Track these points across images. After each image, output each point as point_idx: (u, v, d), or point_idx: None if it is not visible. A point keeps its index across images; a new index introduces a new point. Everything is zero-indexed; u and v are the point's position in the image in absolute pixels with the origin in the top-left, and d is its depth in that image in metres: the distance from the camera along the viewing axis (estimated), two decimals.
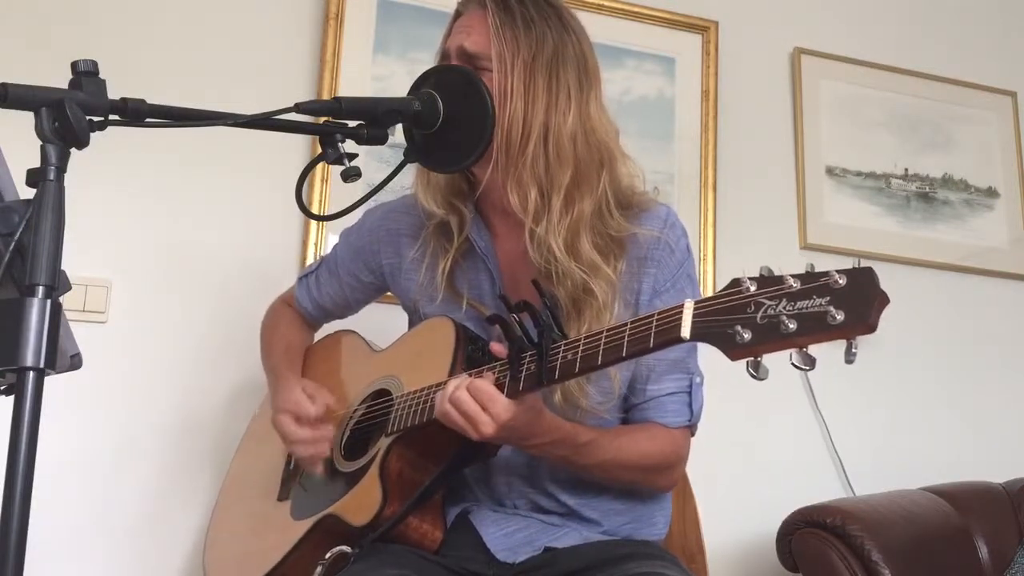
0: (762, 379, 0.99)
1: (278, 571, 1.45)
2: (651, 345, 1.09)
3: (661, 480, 1.47)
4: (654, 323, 1.10)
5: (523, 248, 1.40)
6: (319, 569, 1.33)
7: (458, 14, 1.45)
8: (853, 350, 0.94)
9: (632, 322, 1.13)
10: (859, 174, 2.67)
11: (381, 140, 1.25)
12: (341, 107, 1.21)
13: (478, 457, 1.38)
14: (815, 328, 0.94)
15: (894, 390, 2.57)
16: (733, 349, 0.99)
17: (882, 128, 2.73)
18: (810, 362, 0.97)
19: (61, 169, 0.93)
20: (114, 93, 1.00)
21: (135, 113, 1.02)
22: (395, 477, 1.36)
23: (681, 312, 1.06)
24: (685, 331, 1.05)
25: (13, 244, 0.91)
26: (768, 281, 0.99)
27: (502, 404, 1.22)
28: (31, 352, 0.88)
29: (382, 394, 1.49)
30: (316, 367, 1.70)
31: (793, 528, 2.10)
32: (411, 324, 1.60)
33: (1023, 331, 2.73)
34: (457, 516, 1.43)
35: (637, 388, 1.44)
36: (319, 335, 1.78)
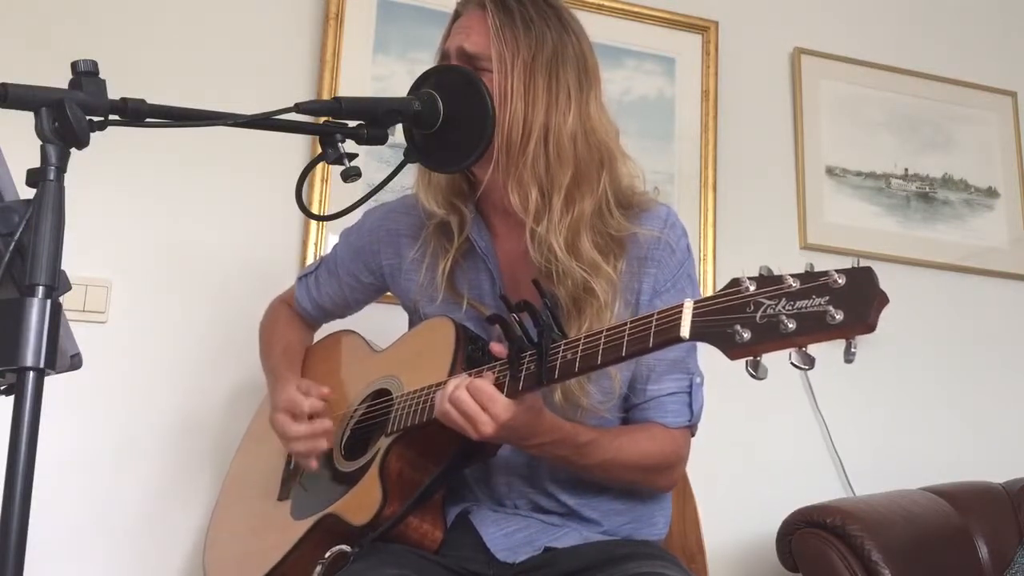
0: (761, 379, 0.99)
1: (278, 571, 1.45)
2: (650, 344, 1.09)
3: (661, 480, 1.47)
4: (653, 323, 1.10)
5: (523, 248, 1.40)
6: (319, 568, 1.33)
7: (457, 15, 1.45)
8: (852, 350, 0.94)
9: (632, 322, 1.13)
10: (859, 174, 2.67)
11: (381, 140, 1.25)
12: (341, 107, 1.22)
13: (478, 457, 1.38)
14: (814, 328, 0.94)
15: (894, 390, 2.57)
16: (732, 349, 0.99)
17: (882, 128, 2.73)
18: (809, 362, 0.97)
19: (61, 169, 0.94)
20: (114, 93, 1.00)
21: (135, 113, 1.02)
22: (395, 477, 1.36)
23: (681, 312, 1.06)
24: (684, 331, 1.05)
25: (13, 244, 0.91)
26: (767, 281, 0.99)
27: (502, 404, 1.22)
28: (31, 352, 0.88)
29: (382, 394, 1.49)
30: (316, 367, 1.70)
31: (793, 528, 2.10)
32: (411, 324, 1.60)
33: (1023, 331, 2.73)
34: (457, 516, 1.43)
35: (637, 388, 1.44)
36: (319, 335, 1.79)
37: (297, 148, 2.18)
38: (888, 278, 0.96)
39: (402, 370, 1.47)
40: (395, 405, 1.42)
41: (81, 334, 1.09)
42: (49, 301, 0.89)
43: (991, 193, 2.79)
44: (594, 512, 1.44)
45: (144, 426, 2.06)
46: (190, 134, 1.96)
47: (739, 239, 2.50)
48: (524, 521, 1.42)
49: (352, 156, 1.20)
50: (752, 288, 0.99)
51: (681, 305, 1.06)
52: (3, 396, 0.98)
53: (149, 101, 1.04)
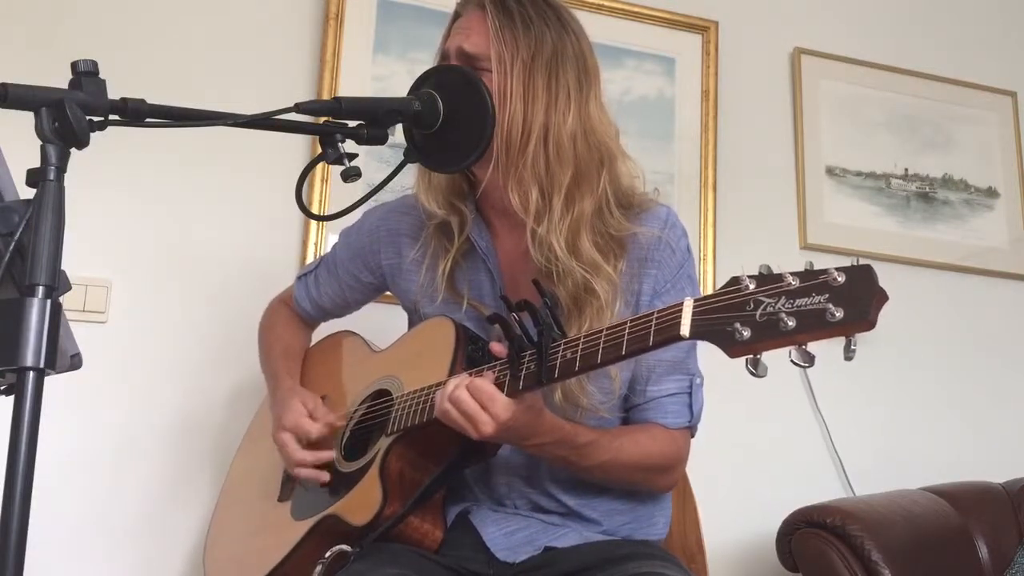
0: (761, 376, 0.99)
1: (279, 571, 1.45)
2: (651, 343, 1.09)
3: (661, 481, 1.47)
4: (653, 321, 1.10)
5: (523, 248, 1.40)
6: (319, 568, 1.33)
7: (457, 15, 1.45)
8: (852, 347, 0.94)
9: (631, 320, 1.14)
10: (859, 174, 2.67)
11: (381, 140, 1.25)
12: (341, 107, 1.22)
13: (478, 457, 1.38)
14: (814, 325, 0.94)
15: (894, 390, 2.57)
16: (732, 347, 0.99)
17: (882, 128, 2.73)
18: (809, 359, 0.97)
19: (61, 169, 0.94)
20: (114, 93, 1.01)
21: (135, 113, 1.02)
22: (395, 477, 1.36)
23: (680, 310, 1.06)
24: (684, 329, 1.05)
25: (13, 244, 0.91)
26: (767, 279, 0.99)
27: (502, 403, 1.22)
28: (31, 352, 0.88)
29: (382, 394, 1.49)
30: (316, 368, 1.70)
31: (793, 528, 2.10)
32: (411, 324, 1.60)
33: (1023, 331, 2.73)
34: (457, 516, 1.43)
35: (637, 389, 1.44)
36: (318, 334, 1.78)
37: (297, 148, 2.18)
38: (888, 278, 0.96)
39: (402, 370, 1.47)
40: (395, 405, 1.42)
41: (81, 334, 1.09)
42: (49, 301, 0.89)
43: (991, 193, 2.79)
44: (594, 512, 1.44)
45: (144, 426, 2.06)
46: (190, 134, 1.97)
47: (739, 239, 2.50)
48: (524, 521, 1.42)
49: (352, 156, 1.20)
50: (752, 286, 1.00)
51: (681, 304, 1.06)
52: (3, 396, 0.98)
53: (149, 101, 1.04)
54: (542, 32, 1.38)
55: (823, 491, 2.33)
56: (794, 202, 2.60)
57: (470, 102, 1.32)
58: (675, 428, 1.43)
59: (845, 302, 0.93)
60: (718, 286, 1.04)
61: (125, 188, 2.11)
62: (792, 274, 0.98)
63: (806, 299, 0.95)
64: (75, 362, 1.04)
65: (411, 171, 1.47)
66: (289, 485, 1.58)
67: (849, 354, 0.94)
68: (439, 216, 1.47)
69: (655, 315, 1.10)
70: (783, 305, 0.96)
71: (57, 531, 1.95)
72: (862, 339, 0.94)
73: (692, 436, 1.48)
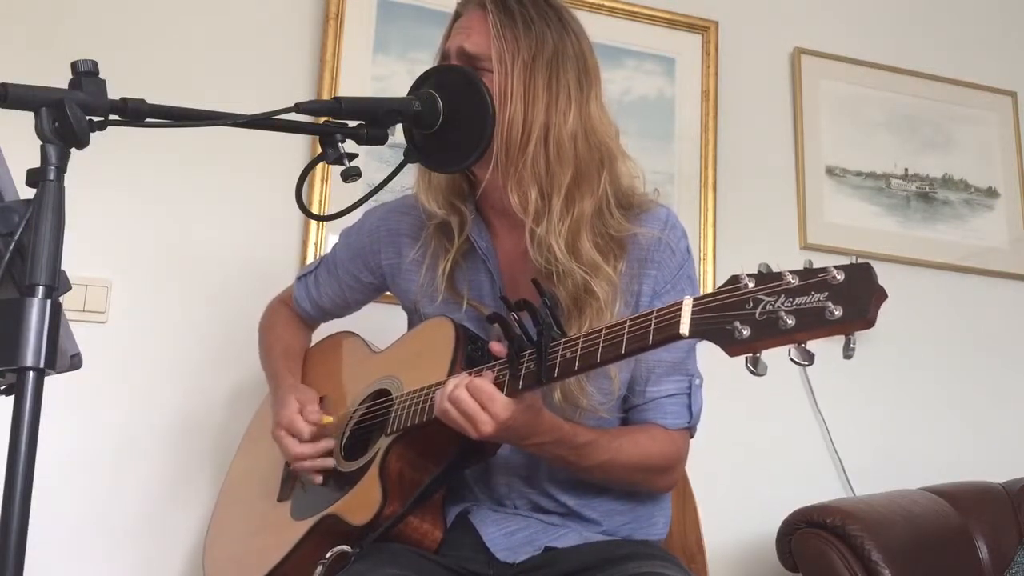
0: (761, 375, 0.99)
1: (278, 571, 1.45)
2: (650, 342, 1.09)
3: (660, 481, 1.47)
4: (653, 320, 1.10)
5: (523, 248, 1.40)
6: (320, 568, 1.33)
7: (457, 15, 1.45)
8: (852, 346, 0.94)
9: (631, 319, 1.13)
10: (859, 174, 2.67)
11: (381, 140, 1.25)
12: (341, 107, 1.22)
13: (478, 457, 1.38)
14: (813, 323, 0.94)
15: (894, 390, 2.57)
16: (732, 345, 0.99)
17: (882, 128, 2.73)
18: (809, 358, 0.97)
19: (61, 169, 0.94)
20: (114, 93, 1.01)
21: (135, 113, 1.02)
22: (395, 477, 1.36)
23: (680, 309, 1.06)
24: (684, 328, 1.05)
25: (13, 244, 0.91)
26: (766, 277, 0.99)
27: (501, 403, 1.22)
28: (31, 352, 0.88)
29: (382, 394, 1.49)
30: (316, 368, 1.70)
31: (793, 528, 2.10)
32: (411, 324, 1.60)
33: (1023, 331, 2.73)
34: (457, 516, 1.43)
35: (637, 389, 1.44)
36: (318, 334, 1.78)
37: (297, 148, 2.18)
38: (888, 278, 0.96)
39: (402, 370, 1.47)
40: (395, 405, 1.42)
41: (81, 334, 1.09)
42: (49, 301, 0.89)
43: (991, 193, 2.79)
44: (594, 512, 1.44)
45: (144, 426, 2.06)
46: (190, 134, 1.97)
47: (739, 239, 2.50)
48: (524, 521, 1.43)
49: (352, 156, 1.20)
50: (751, 285, 1.00)
51: (680, 302, 1.06)
52: (3, 396, 0.98)
53: (149, 101, 1.04)
54: (543, 32, 1.38)
55: (823, 491, 2.33)
56: (794, 202, 2.60)
57: (470, 102, 1.32)
58: (674, 429, 1.43)
59: (844, 300, 0.93)
60: (718, 286, 1.04)
61: (125, 188, 2.11)
62: (791, 272, 0.98)
63: (805, 297, 0.95)
64: (75, 362, 1.04)
65: (411, 171, 1.47)
66: (289, 485, 1.58)
67: (848, 352, 0.94)
68: (439, 216, 1.47)
69: (654, 314, 1.10)
70: (782, 303, 0.96)
71: (57, 531, 1.95)
72: (862, 339, 0.94)
73: (691, 437, 1.48)
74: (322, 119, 1.22)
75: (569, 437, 1.33)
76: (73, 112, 0.94)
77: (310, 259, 2.15)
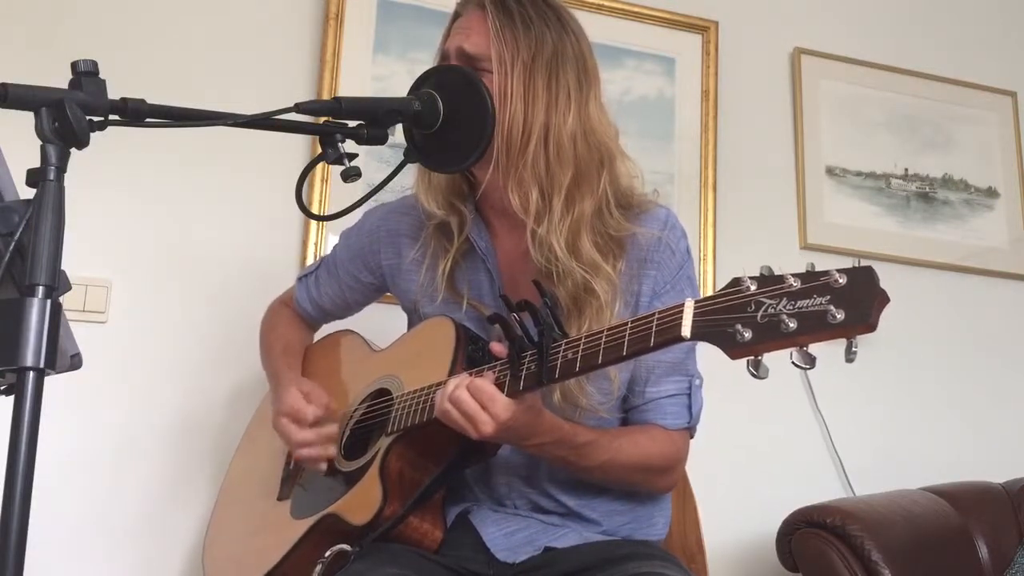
0: (762, 378, 0.99)
1: (278, 571, 1.45)
2: (651, 344, 1.09)
3: (660, 482, 1.47)
4: (654, 322, 1.10)
5: (523, 248, 1.40)
6: (319, 568, 1.33)
7: (457, 15, 1.45)
8: (853, 349, 0.94)
9: (632, 321, 1.14)
10: (859, 174, 2.67)
11: (381, 140, 1.25)
12: (341, 107, 1.22)
13: (478, 457, 1.38)
14: (815, 327, 0.94)
15: (894, 390, 2.57)
16: (733, 348, 0.99)
17: (882, 128, 2.73)
18: (810, 361, 0.97)
19: (61, 169, 0.94)
20: (114, 93, 1.00)
21: (135, 113, 1.02)
22: (395, 477, 1.36)
23: (681, 311, 1.06)
24: (686, 330, 1.05)
25: (13, 244, 0.91)
26: (768, 280, 0.99)
27: (502, 403, 1.22)
28: (31, 352, 0.88)
29: (382, 394, 1.49)
30: (316, 367, 1.70)
31: (793, 528, 2.10)
32: (410, 325, 1.60)
33: (1023, 331, 2.73)
34: (457, 516, 1.43)
35: (636, 390, 1.44)
36: (318, 335, 1.78)
37: (297, 148, 2.18)
38: (888, 278, 0.96)
39: (402, 370, 1.47)
40: (395, 405, 1.42)
41: (81, 334, 1.09)
42: (49, 301, 0.89)
43: (991, 193, 2.79)
44: (594, 512, 1.44)
45: (144, 426, 2.06)
46: (190, 134, 1.96)
47: (739, 239, 2.50)
48: (524, 521, 1.43)
49: (352, 156, 1.20)
50: (753, 288, 1.00)
51: (682, 305, 1.06)
52: (3, 396, 0.98)
53: (149, 101, 1.04)
54: (542, 32, 1.38)
55: (823, 491, 2.33)
56: (794, 202, 2.60)
57: (470, 102, 1.32)
58: (674, 429, 1.43)
59: (846, 304, 0.93)
60: (718, 286, 1.04)
61: (125, 188, 2.11)
62: (793, 275, 0.98)
63: (807, 301, 0.95)
64: (75, 362, 1.04)
65: (411, 171, 1.47)
66: (288, 484, 1.58)
67: (850, 356, 0.94)
68: (439, 216, 1.47)
69: (656, 316, 1.10)
70: (784, 306, 0.96)
71: (57, 531, 1.95)
72: (862, 340, 0.94)
73: (691, 437, 1.48)
74: (322, 119, 1.22)
75: (569, 437, 1.33)
76: (73, 112, 0.94)
77: (310, 259, 2.15)
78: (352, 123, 1.23)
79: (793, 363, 0.97)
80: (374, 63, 2.31)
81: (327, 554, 1.34)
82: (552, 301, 1.24)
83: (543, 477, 1.43)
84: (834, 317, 0.93)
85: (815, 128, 2.66)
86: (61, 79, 1.00)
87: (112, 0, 2.18)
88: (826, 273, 0.95)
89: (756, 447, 2.42)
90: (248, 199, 2.18)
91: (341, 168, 1.19)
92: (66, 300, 0.95)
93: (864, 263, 0.95)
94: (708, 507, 1.67)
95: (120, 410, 2.05)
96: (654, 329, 1.09)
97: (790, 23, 2.72)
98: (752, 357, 0.99)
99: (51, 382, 0.90)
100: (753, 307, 0.99)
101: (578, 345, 1.18)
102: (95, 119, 0.97)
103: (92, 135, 0.96)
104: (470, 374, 1.27)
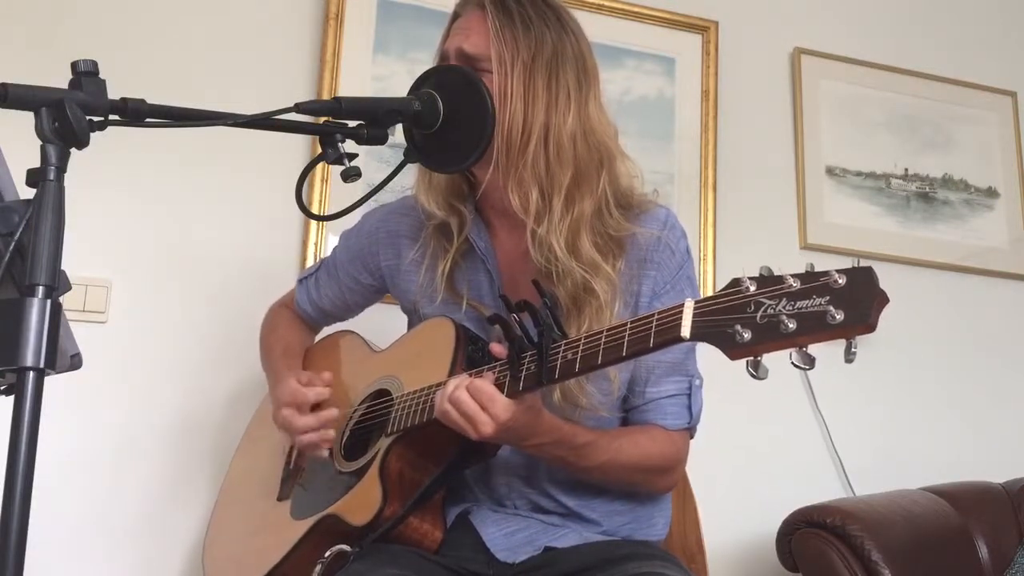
0: (762, 379, 0.99)
1: (278, 571, 1.45)
2: (651, 345, 1.09)
3: (660, 482, 1.47)
4: (654, 323, 1.10)
5: (522, 248, 1.40)
6: (318, 568, 1.33)
7: (456, 15, 1.45)
8: (853, 349, 0.94)
9: (632, 322, 1.14)
10: (859, 174, 2.67)
11: (381, 140, 1.25)
12: (341, 107, 1.22)
13: (478, 457, 1.38)
14: (815, 327, 0.94)
15: (894, 390, 2.57)
16: (733, 349, 0.99)
17: (882, 128, 2.73)
18: (810, 361, 0.97)
19: (61, 169, 0.93)
20: (114, 93, 1.00)
21: (135, 113, 1.02)
22: (395, 477, 1.36)
23: (681, 312, 1.06)
24: (685, 331, 1.05)
25: (13, 244, 0.91)
26: (768, 281, 0.99)
27: (501, 404, 1.22)
28: (31, 352, 0.88)
29: (382, 394, 1.49)
30: (315, 366, 1.69)
31: (793, 528, 2.10)
32: (410, 325, 1.60)
33: (1023, 331, 2.73)
34: (457, 516, 1.43)
35: (636, 390, 1.44)
36: (319, 336, 1.78)
37: (297, 148, 2.18)
38: (888, 278, 0.96)
39: (402, 370, 1.47)
40: (395, 405, 1.42)
41: (81, 334, 1.09)
42: (49, 301, 0.89)
43: (991, 193, 2.79)
44: (594, 513, 1.44)
45: (144, 426, 2.06)
46: (190, 134, 1.96)
47: (739, 239, 2.50)
48: (524, 521, 1.42)
49: (352, 156, 1.20)
50: (753, 288, 0.99)
51: (682, 305, 1.06)
52: (3, 396, 0.98)
53: (149, 101, 1.04)
54: (542, 32, 1.38)
55: (823, 491, 2.33)
56: (794, 202, 2.60)
57: (470, 102, 1.32)
58: (674, 429, 1.43)
59: (846, 304, 0.93)
60: (718, 286, 1.04)
61: (125, 188, 2.11)
62: (793, 276, 0.98)
63: (807, 301, 0.95)
64: (75, 362, 1.04)
65: (411, 171, 1.47)
66: (288, 484, 1.58)
67: (850, 356, 0.94)
68: (438, 217, 1.47)
69: (656, 316, 1.10)
70: (784, 307, 0.96)
71: (57, 531, 1.95)
72: (861, 340, 0.94)
73: (691, 437, 1.48)
74: (322, 119, 1.22)
75: (569, 438, 1.33)
76: (73, 112, 0.94)
77: (310, 259, 2.15)
78: (352, 123, 1.23)
79: (793, 364, 0.97)
80: (374, 63, 2.31)
81: (327, 554, 1.34)
82: (552, 301, 1.24)
83: (543, 477, 1.43)
84: (833, 318, 0.93)
85: (815, 128, 2.66)
86: (61, 79, 1.00)
87: (112, 0, 2.18)
88: (825, 273, 0.95)
89: (756, 447, 2.42)
90: (248, 199, 2.18)
91: (341, 168, 1.19)
92: (66, 300, 0.95)
93: (864, 263, 0.95)
94: (708, 507, 1.67)
95: (120, 410, 2.05)
96: (654, 329, 1.09)
97: (790, 23, 2.72)
98: (752, 358, 0.99)
99: (51, 382, 0.90)
100: (753, 308, 0.99)
101: (578, 345, 1.18)
102: (95, 119, 0.97)
103: (92, 135, 0.96)
104: (470, 375, 1.27)
